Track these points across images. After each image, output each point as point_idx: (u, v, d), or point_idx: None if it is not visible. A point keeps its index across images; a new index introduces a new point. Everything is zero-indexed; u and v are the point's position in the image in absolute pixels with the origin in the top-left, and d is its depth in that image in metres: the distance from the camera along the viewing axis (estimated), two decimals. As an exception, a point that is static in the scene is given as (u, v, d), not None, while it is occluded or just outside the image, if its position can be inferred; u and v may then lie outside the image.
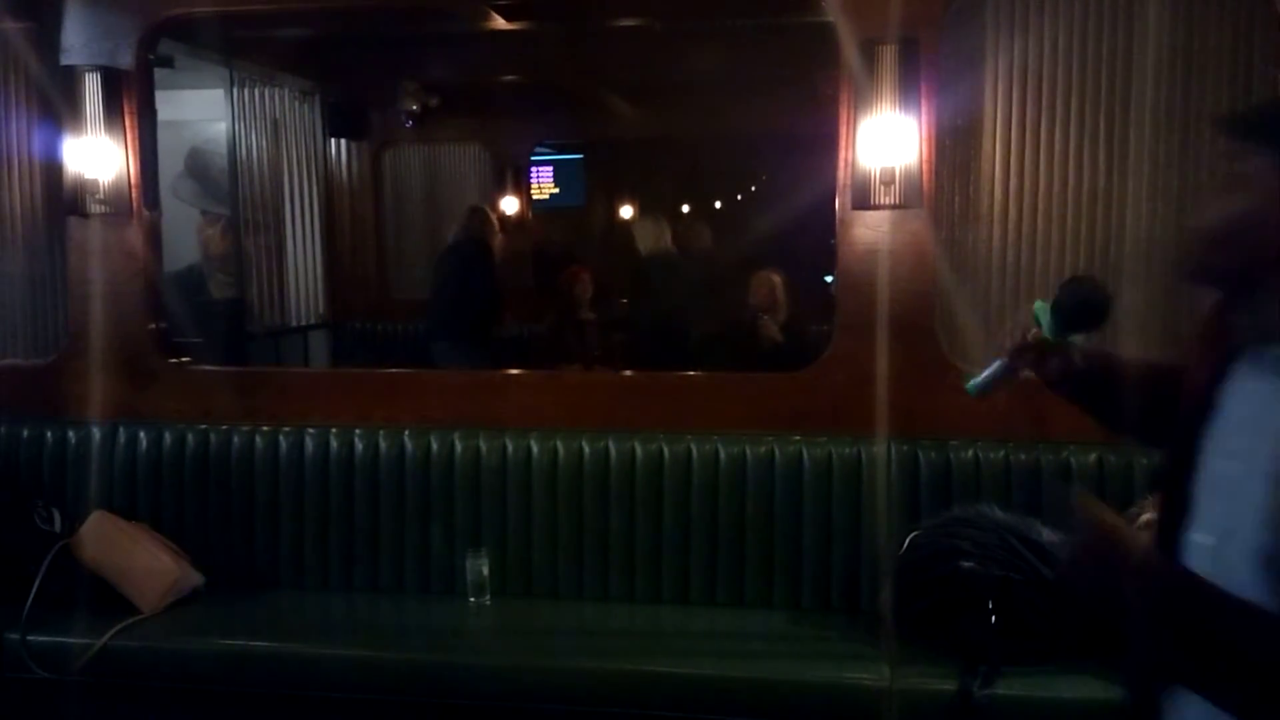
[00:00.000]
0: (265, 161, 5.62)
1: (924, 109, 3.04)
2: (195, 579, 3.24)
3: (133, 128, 3.47)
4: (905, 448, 3.07)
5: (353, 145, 6.68)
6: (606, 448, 3.21)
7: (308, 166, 6.06)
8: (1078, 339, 1.61)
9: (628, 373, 3.89)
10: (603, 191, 8.18)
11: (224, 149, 5.15)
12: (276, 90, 5.73)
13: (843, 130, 3.14)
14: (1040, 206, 3.09)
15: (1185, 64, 3.01)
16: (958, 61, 3.10)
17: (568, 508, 3.22)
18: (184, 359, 3.59)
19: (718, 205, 8.57)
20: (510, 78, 5.98)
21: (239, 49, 4.82)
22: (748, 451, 3.15)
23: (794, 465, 3.12)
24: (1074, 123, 3.06)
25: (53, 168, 3.54)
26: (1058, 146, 3.07)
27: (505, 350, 5.83)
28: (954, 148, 3.12)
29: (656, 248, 5.76)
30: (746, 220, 7.59)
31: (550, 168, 7.95)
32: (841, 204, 3.16)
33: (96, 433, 3.42)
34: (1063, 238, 3.08)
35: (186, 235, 4.36)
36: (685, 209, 8.10)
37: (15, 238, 3.63)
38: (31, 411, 3.50)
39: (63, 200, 3.51)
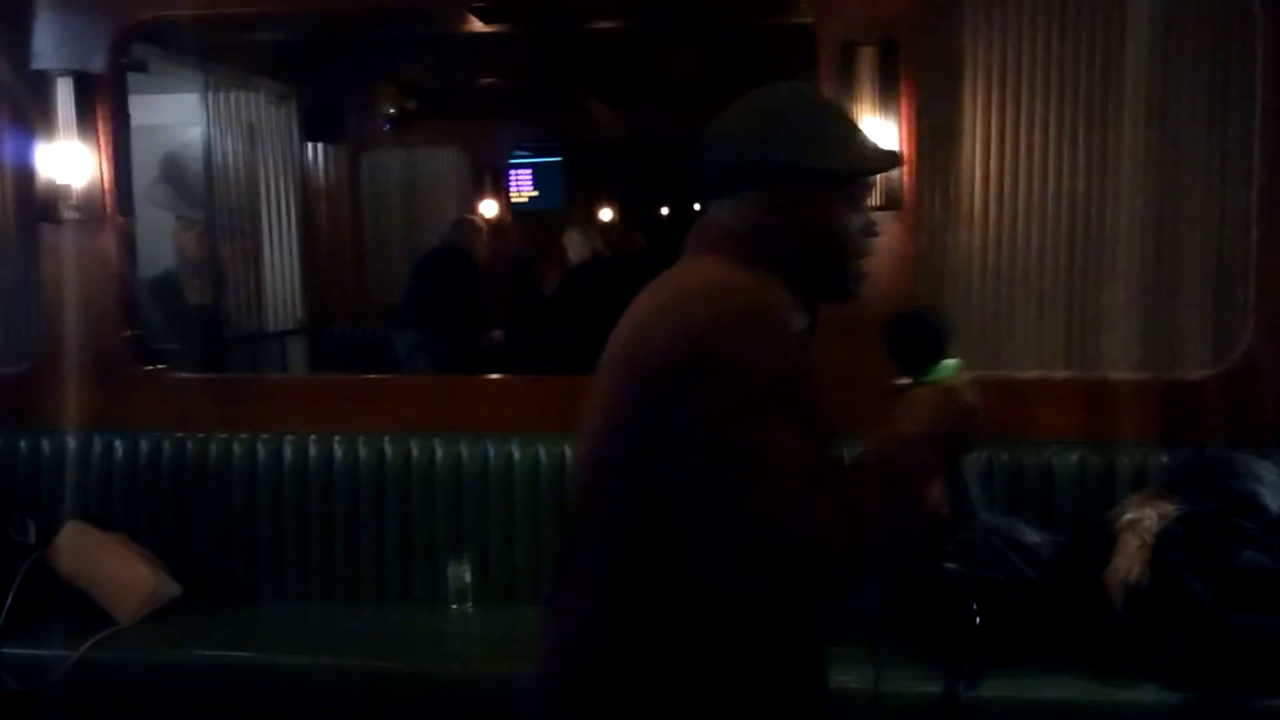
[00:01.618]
0: (241, 166, 5.57)
1: (903, 110, 3.03)
2: (173, 589, 3.20)
3: (106, 132, 3.43)
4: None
5: (330, 149, 6.64)
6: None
7: (284, 171, 6.02)
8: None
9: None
10: (582, 194, 8.16)
11: (199, 153, 5.11)
12: (252, 94, 5.68)
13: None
14: (1021, 208, 3.10)
15: (1165, 63, 3.02)
16: (936, 62, 3.10)
17: (551, 512, 3.20)
18: (160, 366, 3.55)
19: (697, 207, 8.56)
20: (488, 80, 5.96)
21: (214, 52, 4.77)
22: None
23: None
24: (1054, 123, 3.07)
25: (24, 173, 3.49)
26: (1038, 147, 3.08)
27: (479, 353, 5.82)
28: (933, 149, 3.11)
29: (584, 255, 6.02)
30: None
31: (529, 170, 7.92)
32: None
33: (71, 442, 3.37)
34: (1044, 239, 3.09)
35: (161, 240, 4.32)
36: (664, 211, 8.09)
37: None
38: (4, 421, 3.45)
39: (35, 206, 3.46)
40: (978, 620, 2.64)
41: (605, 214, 8.13)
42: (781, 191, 1.38)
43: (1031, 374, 3.13)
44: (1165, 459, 2.92)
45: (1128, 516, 2.68)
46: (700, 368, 1.23)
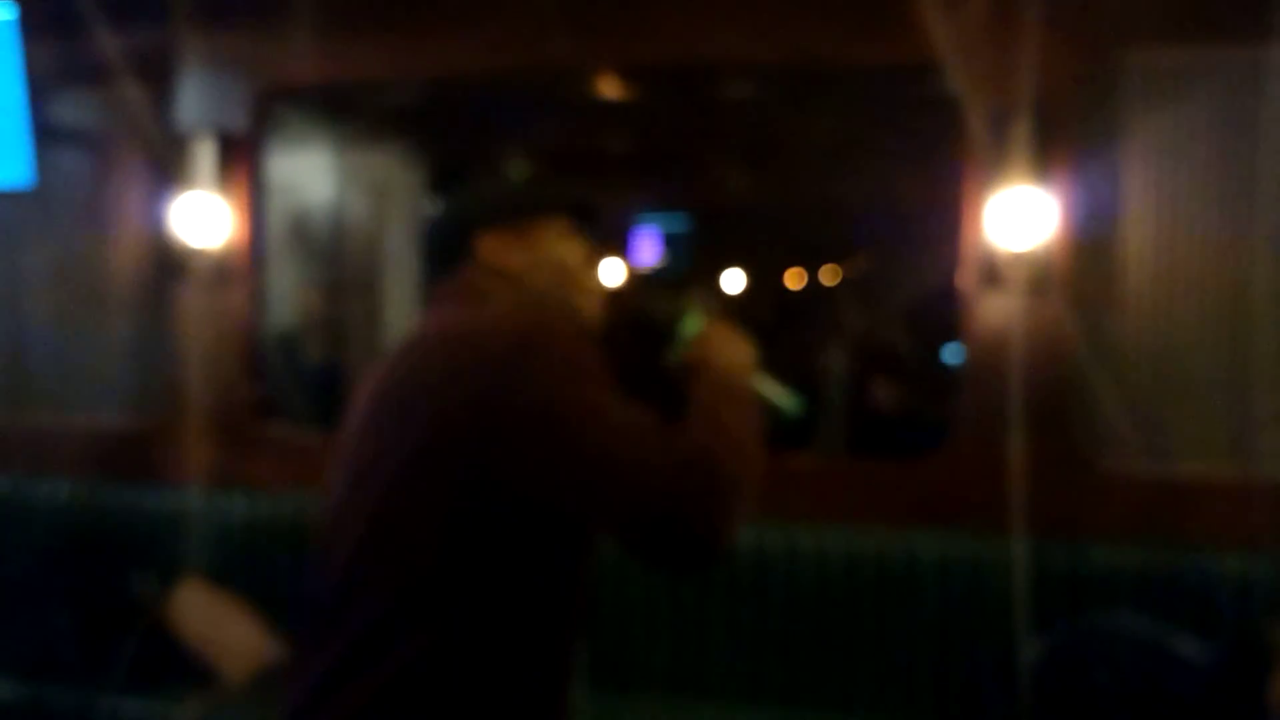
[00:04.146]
0: (367, 225, 5.63)
1: (1058, 186, 2.89)
2: (283, 654, 3.16)
3: (244, 192, 3.48)
4: (1033, 547, 2.87)
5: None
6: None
7: (410, 231, 6.07)
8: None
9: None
10: (707, 259, 8.09)
11: (327, 211, 5.18)
12: (380, 154, 5.76)
13: (967, 206, 3.01)
14: (1185, 291, 2.90)
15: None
16: (1094, 136, 2.94)
17: (669, 596, 3.09)
18: (283, 424, 3.55)
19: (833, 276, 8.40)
20: (616, 144, 5.95)
21: (344, 113, 4.85)
22: (856, 545, 3.00)
23: (908, 562, 2.95)
24: (1223, 200, 2.87)
25: (162, 230, 3.54)
26: (1205, 226, 2.89)
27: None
28: (1091, 226, 2.95)
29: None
30: (854, 290, 7.47)
31: (654, 235, 7.88)
32: (968, 284, 3.02)
33: (193, 497, 3.38)
34: (1210, 325, 2.88)
35: (287, 297, 4.37)
36: (797, 279, 7.97)
37: (121, 299, 3.64)
38: (128, 474, 3.48)
39: (170, 263, 3.51)
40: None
41: (733, 281, 8.04)
42: (503, 237, 1.56)
43: (1192, 471, 2.91)
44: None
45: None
46: (526, 374, 1.32)
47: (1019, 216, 2.89)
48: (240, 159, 3.49)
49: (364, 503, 1.42)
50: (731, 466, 1.32)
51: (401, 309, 5.96)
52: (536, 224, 1.58)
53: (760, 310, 7.63)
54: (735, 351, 1.54)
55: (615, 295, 1.68)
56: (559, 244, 1.59)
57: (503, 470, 1.31)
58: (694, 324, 1.57)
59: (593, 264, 1.62)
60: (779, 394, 1.58)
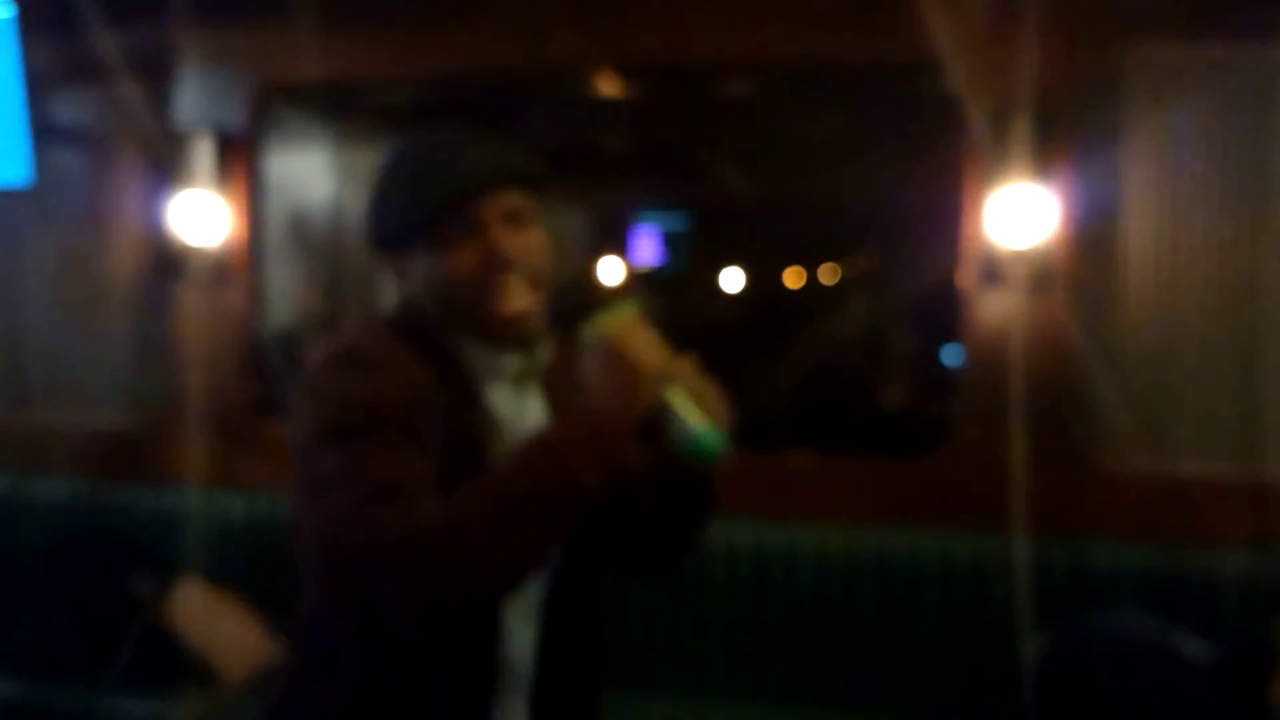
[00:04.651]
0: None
1: (1059, 184, 2.88)
2: (281, 654, 3.15)
3: (242, 190, 3.47)
4: (1034, 547, 2.87)
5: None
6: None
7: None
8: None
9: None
10: (706, 258, 8.07)
11: (326, 210, 5.17)
12: (379, 152, 5.73)
13: (967, 204, 3.00)
14: (1186, 289, 2.89)
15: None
16: (1095, 134, 2.93)
17: (670, 596, 3.08)
18: (282, 424, 3.54)
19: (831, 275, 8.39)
20: (614, 143, 5.94)
21: (342, 110, 4.84)
22: (856, 544, 2.99)
23: (909, 561, 2.95)
24: (1225, 198, 2.86)
25: (159, 228, 3.53)
26: (1206, 224, 2.88)
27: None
28: (1090, 225, 2.94)
29: None
30: (853, 289, 7.46)
31: (653, 233, 7.87)
32: (968, 282, 3.01)
33: (191, 497, 3.37)
34: (1212, 323, 2.87)
35: (286, 296, 4.36)
36: (794, 278, 7.95)
37: (119, 298, 3.63)
38: (127, 474, 3.47)
39: (168, 262, 3.50)
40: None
41: (732, 279, 8.02)
42: (386, 260, 1.50)
43: (1195, 471, 2.90)
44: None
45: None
46: (293, 407, 1.39)
47: (1019, 214, 2.88)
48: (239, 157, 3.48)
49: None
50: (479, 533, 1.21)
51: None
52: (403, 243, 1.48)
53: (760, 309, 7.64)
54: (626, 371, 1.29)
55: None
56: (431, 258, 1.44)
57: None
58: (612, 320, 1.33)
59: (481, 268, 1.42)
60: (699, 426, 1.30)
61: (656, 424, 1.31)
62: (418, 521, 1.21)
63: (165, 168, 3.49)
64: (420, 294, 1.46)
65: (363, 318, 1.56)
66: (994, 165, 2.89)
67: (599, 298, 1.36)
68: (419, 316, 1.47)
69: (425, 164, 1.46)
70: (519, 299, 1.42)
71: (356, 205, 5.50)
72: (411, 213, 1.44)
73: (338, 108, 4.59)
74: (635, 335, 1.31)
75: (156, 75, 3.52)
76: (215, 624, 3.14)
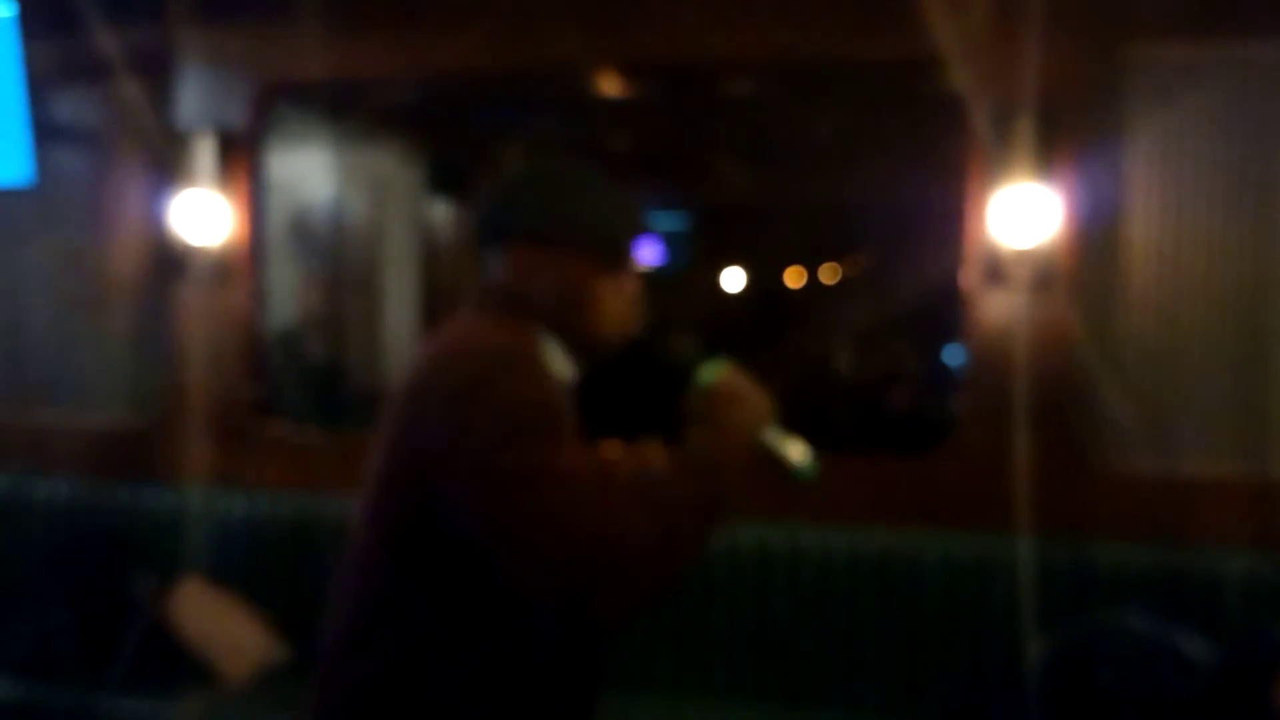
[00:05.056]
0: (367, 222, 5.61)
1: (1061, 184, 2.88)
2: (283, 653, 3.15)
3: (244, 190, 3.46)
4: (1037, 546, 2.86)
5: (455, 207, 6.67)
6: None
7: (408, 228, 6.05)
8: None
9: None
10: (707, 257, 8.07)
11: (327, 209, 5.16)
12: (380, 151, 5.73)
13: (970, 204, 3.00)
14: (1190, 289, 2.88)
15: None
16: (1098, 133, 2.93)
17: (672, 595, 3.07)
18: (284, 424, 3.54)
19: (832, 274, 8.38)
20: (616, 141, 5.93)
21: (344, 109, 4.83)
22: (859, 543, 2.99)
23: (912, 561, 2.94)
24: (1228, 198, 2.86)
25: (161, 227, 3.53)
26: (1209, 224, 2.87)
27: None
28: (1094, 224, 2.94)
29: None
30: (860, 287, 7.47)
31: (654, 232, 7.86)
32: (970, 282, 3.01)
33: (192, 496, 3.37)
34: (1215, 323, 2.87)
35: (286, 295, 4.35)
36: (795, 278, 7.94)
37: (120, 298, 3.62)
38: (127, 473, 3.47)
39: (169, 261, 3.49)
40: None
41: (732, 278, 8.02)
42: (532, 254, 1.53)
43: (1198, 471, 2.90)
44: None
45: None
46: (470, 417, 1.32)
47: (1022, 213, 2.88)
48: (240, 156, 3.47)
49: (361, 509, 1.50)
50: (661, 545, 1.28)
51: (401, 306, 5.95)
52: (568, 250, 1.54)
53: (760, 309, 7.63)
54: (746, 410, 1.46)
55: (636, 333, 1.61)
56: (582, 275, 1.54)
57: (439, 504, 1.35)
58: (711, 372, 1.50)
59: (616, 299, 1.56)
60: (796, 453, 1.49)
61: (764, 454, 1.49)
62: (635, 520, 1.27)
63: (167, 167, 3.48)
64: (537, 291, 1.53)
65: (470, 311, 1.54)
66: (997, 164, 2.89)
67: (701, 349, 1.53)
68: (526, 311, 1.52)
69: (616, 190, 1.58)
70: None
71: (357, 205, 5.49)
72: (609, 226, 1.56)
73: (339, 107, 4.58)
74: (743, 381, 1.48)
75: (158, 74, 3.51)
76: (216, 623, 3.14)
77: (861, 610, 2.97)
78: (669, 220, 7.86)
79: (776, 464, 1.49)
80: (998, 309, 2.97)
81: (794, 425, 1.52)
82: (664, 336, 1.57)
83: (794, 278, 8.07)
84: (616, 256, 1.56)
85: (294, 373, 3.89)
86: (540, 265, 1.53)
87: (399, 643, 1.43)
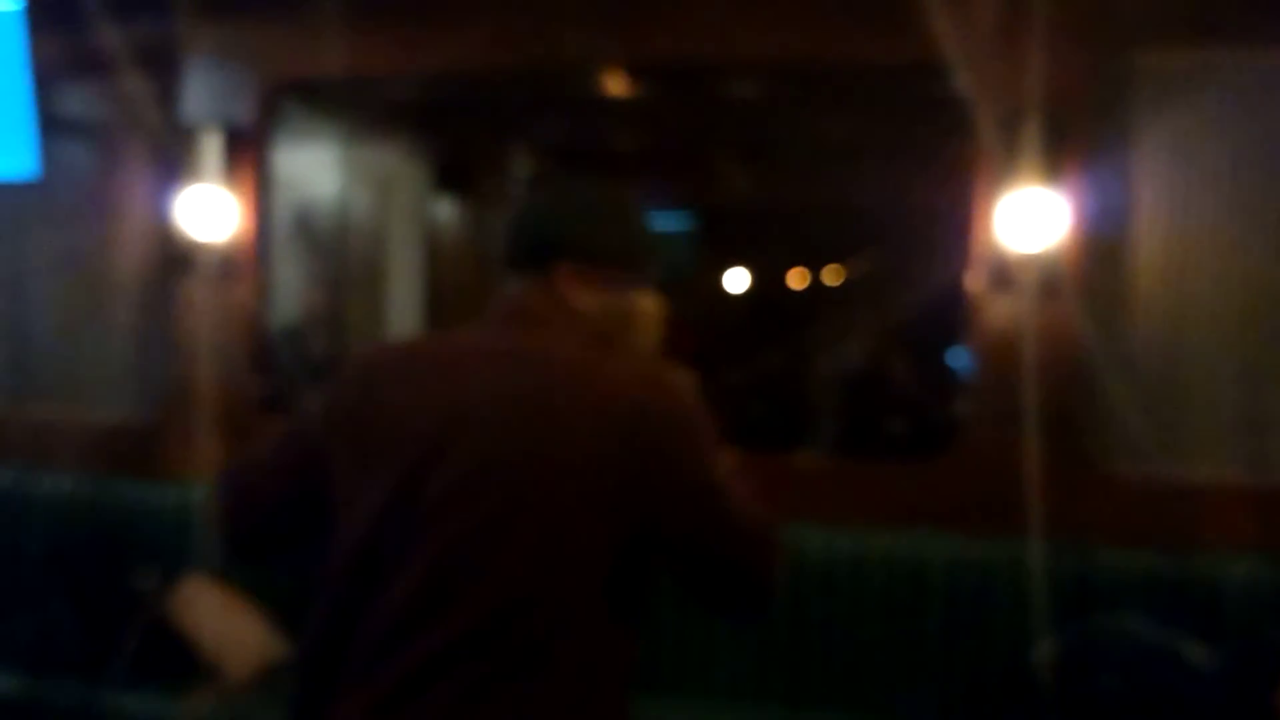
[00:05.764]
0: (373, 219, 5.62)
1: (1069, 189, 2.88)
2: (286, 652, 3.15)
3: (250, 187, 3.46)
4: (1041, 551, 2.86)
5: (460, 206, 6.67)
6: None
7: (412, 226, 6.05)
8: None
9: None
10: (711, 258, 8.07)
11: (332, 206, 5.16)
12: (386, 148, 5.74)
13: (977, 207, 3.00)
14: (1196, 295, 2.89)
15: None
16: (1106, 138, 2.93)
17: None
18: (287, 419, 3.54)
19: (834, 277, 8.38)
20: (623, 142, 5.93)
21: (351, 107, 4.83)
22: (863, 547, 2.99)
23: (916, 564, 2.94)
24: (1236, 204, 2.86)
25: (167, 224, 3.53)
26: (1217, 230, 2.87)
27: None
28: (1101, 229, 2.94)
29: None
30: (864, 290, 7.46)
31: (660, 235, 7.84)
32: (976, 286, 3.01)
33: (197, 493, 3.37)
34: (1221, 329, 2.87)
35: (291, 291, 4.36)
36: (798, 279, 7.94)
37: (125, 293, 3.62)
38: (132, 470, 3.47)
39: (175, 258, 3.49)
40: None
41: (736, 279, 8.02)
42: (583, 275, 1.55)
43: (1202, 477, 2.90)
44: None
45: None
46: (688, 440, 1.42)
47: (1029, 218, 2.88)
48: (246, 153, 3.47)
49: (482, 516, 1.40)
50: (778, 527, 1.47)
51: (406, 304, 5.95)
52: (619, 276, 1.59)
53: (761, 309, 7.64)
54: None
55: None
56: (632, 298, 1.61)
57: (650, 515, 1.41)
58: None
59: (652, 315, 1.64)
60: None
61: None
62: (773, 520, 1.48)
63: (173, 163, 3.48)
64: (593, 311, 1.57)
65: (587, 339, 1.54)
66: (1004, 169, 2.89)
67: None
68: (601, 335, 1.56)
69: (638, 206, 1.65)
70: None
71: (363, 202, 5.50)
72: (646, 244, 1.64)
73: (346, 103, 4.58)
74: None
75: (164, 70, 3.51)
76: (220, 620, 3.13)
77: (865, 613, 2.97)
78: (673, 220, 7.87)
79: None
80: (1004, 313, 2.97)
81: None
82: None
83: (797, 279, 8.06)
84: (651, 273, 1.64)
85: (298, 369, 3.89)
86: (591, 285, 1.56)
87: (583, 658, 1.47)
